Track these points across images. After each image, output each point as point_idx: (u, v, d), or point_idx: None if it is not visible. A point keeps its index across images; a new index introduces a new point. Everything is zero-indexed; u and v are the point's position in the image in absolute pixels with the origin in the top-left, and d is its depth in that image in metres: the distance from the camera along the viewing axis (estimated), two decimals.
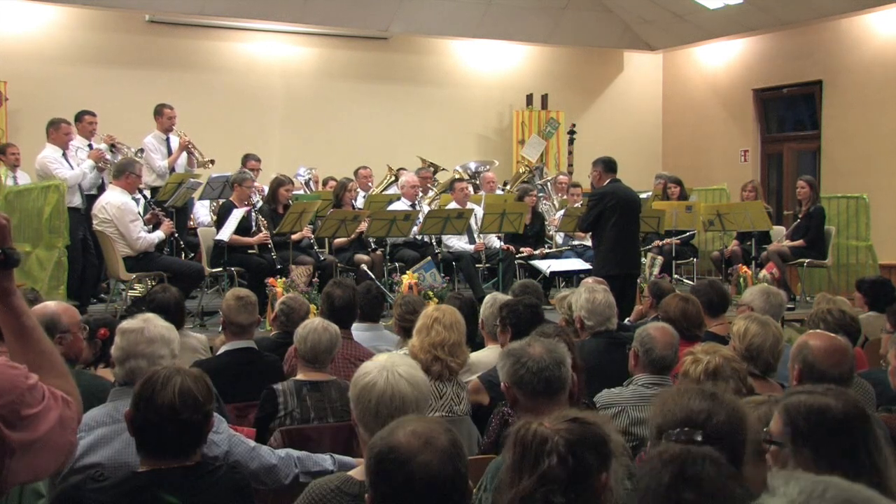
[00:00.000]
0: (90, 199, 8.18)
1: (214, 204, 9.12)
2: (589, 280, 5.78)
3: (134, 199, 7.47)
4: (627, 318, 6.36)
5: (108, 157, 8.49)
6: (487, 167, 11.17)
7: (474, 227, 9.02)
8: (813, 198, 9.36)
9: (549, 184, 11.35)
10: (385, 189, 10.51)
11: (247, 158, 9.67)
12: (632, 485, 2.08)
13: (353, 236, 8.47)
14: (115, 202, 7.19)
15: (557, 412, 2.10)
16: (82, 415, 1.88)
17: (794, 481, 1.28)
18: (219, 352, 4.69)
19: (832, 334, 3.41)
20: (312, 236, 8.28)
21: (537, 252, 9.21)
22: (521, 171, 12.25)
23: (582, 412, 2.13)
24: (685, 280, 9.85)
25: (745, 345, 3.69)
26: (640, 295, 7.39)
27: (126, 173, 7.34)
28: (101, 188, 8.38)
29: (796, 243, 9.28)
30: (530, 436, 1.99)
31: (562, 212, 9.78)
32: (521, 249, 9.14)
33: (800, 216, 9.40)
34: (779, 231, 9.83)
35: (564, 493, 1.92)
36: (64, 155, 8.30)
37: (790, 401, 2.26)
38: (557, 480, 1.93)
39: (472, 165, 11.40)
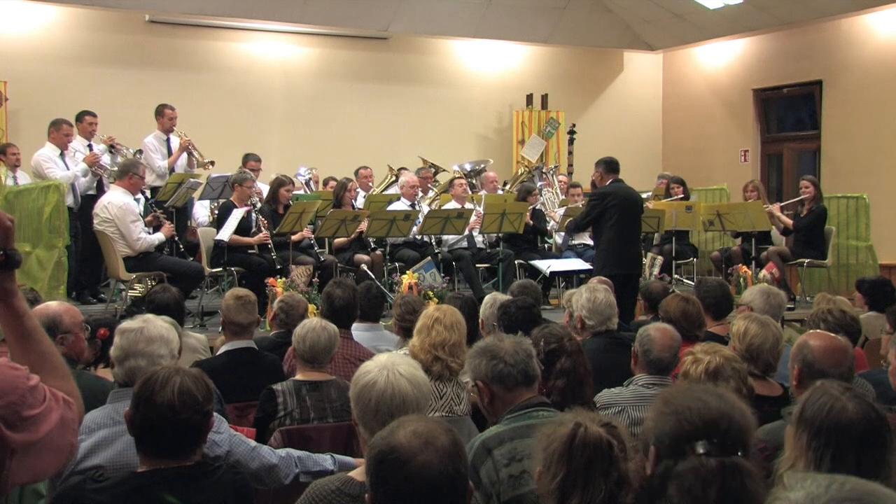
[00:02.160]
0: (87, 200, 8.21)
1: (214, 204, 9.13)
2: (594, 280, 5.79)
3: (135, 199, 7.49)
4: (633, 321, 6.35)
5: (106, 160, 8.51)
6: (483, 165, 11.18)
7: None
8: (817, 197, 9.37)
9: (551, 172, 11.38)
10: (386, 189, 10.51)
11: (247, 158, 9.67)
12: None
13: (353, 236, 8.47)
14: (117, 202, 7.20)
15: (574, 414, 2.12)
16: (83, 416, 1.88)
17: (811, 479, 1.29)
18: (219, 352, 4.68)
19: (832, 334, 3.40)
20: (312, 237, 8.28)
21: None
22: (520, 171, 12.25)
23: (603, 416, 2.17)
24: (685, 280, 9.85)
25: (746, 345, 3.69)
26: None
27: (129, 174, 7.36)
28: (101, 188, 8.40)
29: (787, 220, 9.30)
30: (594, 440, 1.99)
31: (562, 211, 9.77)
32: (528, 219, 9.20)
33: (802, 215, 9.41)
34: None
35: (629, 495, 1.97)
36: (62, 155, 8.32)
37: (817, 386, 2.29)
38: (628, 483, 1.96)
39: (468, 166, 11.41)
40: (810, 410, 2.25)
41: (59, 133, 8.33)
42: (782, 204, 9.75)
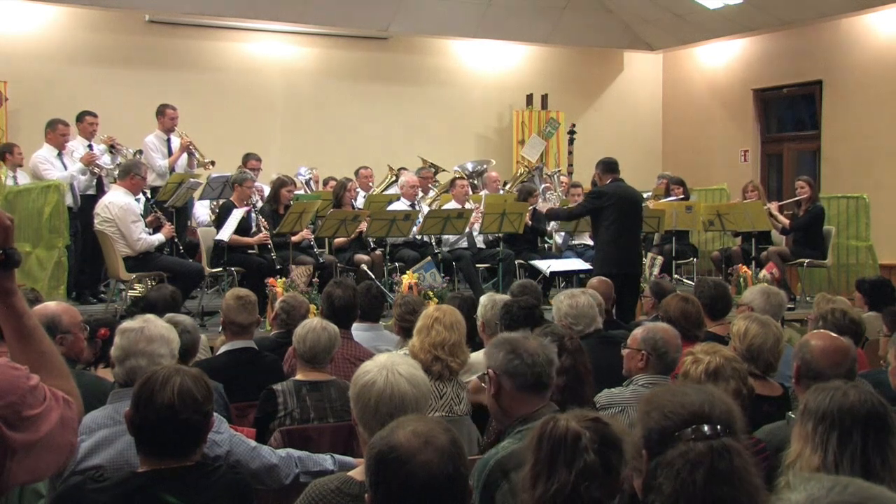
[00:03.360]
0: (87, 200, 8.21)
1: (214, 204, 9.12)
2: (593, 280, 5.78)
3: (135, 199, 7.49)
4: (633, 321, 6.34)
5: (106, 160, 8.50)
6: (485, 166, 11.18)
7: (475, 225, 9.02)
8: (814, 197, 9.38)
9: (555, 176, 11.38)
10: (386, 189, 10.51)
11: (247, 158, 9.68)
12: None
13: (353, 236, 8.47)
14: (119, 202, 7.21)
15: (572, 412, 2.11)
16: (83, 415, 1.88)
17: (814, 480, 1.29)
18: (219, 352, 4.69)
19: (834, 335, 3.39)
20: (312, 237, 8.27)
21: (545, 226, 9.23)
22: (520, 171, 12.24)
23: (598, 413, 2.16)
24: (685, 280, 9.85)
25: (746, 345, 3.69)
26: (641, 295, 7.39)
27: (131, 174, 7.37)
28: (101, 188, 8.40)
29: (783, 219, 9.30)
30: (561, 431, 1.99)
31: None
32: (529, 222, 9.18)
33: (800, 216, 9.41)
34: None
35: (601, 489, 1.94)
36: (60, 156, 8.32)
37: (818, 385, 2.35)
38: (596, 476, 1.94)
39: (470, 165, 11.41)
40: (814, 402, 2.30)
41: (55, 133, 8.33)
42: (780, 203, 9.75)
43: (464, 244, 9.05)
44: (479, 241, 9.19)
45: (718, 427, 1.97)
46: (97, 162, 8.40)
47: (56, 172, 8.14)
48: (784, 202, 9.82)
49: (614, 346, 4.20)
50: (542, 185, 10.96)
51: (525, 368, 2.77)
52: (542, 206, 9.30)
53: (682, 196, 10.13)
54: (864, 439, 2.19)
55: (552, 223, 9.84)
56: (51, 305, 3.71)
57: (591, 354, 4.24)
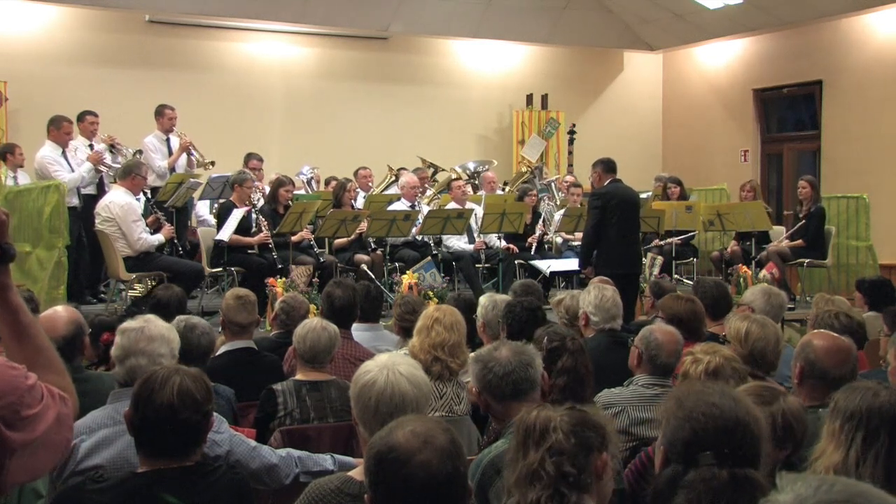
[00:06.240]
0: (87, 199, 8.20)
1: (216, 204, 9.13)
2: (595, 280, 5.78)
3: (136, 198, 7.49)
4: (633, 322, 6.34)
5: (108, 157, 8.49)
6: (486, 167, 11.18)
7: (474, 226, 9.01)
8: (814, 197, 9.35)
9: (552, 184, 11.35)
10: (385, 189, 10.51)
11: (249, 158, 9.69)
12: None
13: (353, 236, 8.47)
14: (119, 202, 7.21)
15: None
16: (78, 412, 1.88)
17: (801, 480, 1.29)
18: (219, 352, 4.68)
19: (836, 335, 3.39)
20: (311, 237, 8.26)
21: (537, 234, 9.25)
22: (523, 170, 12.25)
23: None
24: (685, 280, 9.84)
25: (749, 348, 3.67)
26: (641, 295, 7.39)
27: (132, 174, 7.38)
28: (101, 187, 8.39)
29: (795, 243, 9.27)
30: (533, 419, 2.06)
31: (561, 213, 9.76)
32: (528, 241, 9.13)
33: (801, 216, 9.39)
34: (778, 231, 9.83)
35: (572, 465, 1.97)
36: (63, 154, 8.31)
37: (851, 384, 2.37)
38: (565, 452, 1.99)
39: (471, 165, 11.41)
40: (844, 400, 2.31)
41: (59, 132, 8.30)
42: (787, 235, 9.57)
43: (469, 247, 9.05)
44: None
45: (743, 454, 1.97)
46: (104, 161, 8.39)
47: (65, 174, 8.09)
48: (790, 230, 9.61)
49: (624, 347, 4.20)
50: (543, 195, 10.90)
51: (498, 381, 2.83)
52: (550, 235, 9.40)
53: (679, 196, 10.12)
54: (892, 441, 2.18)
55: (555, 218, 9.81)
56: (59, 310, 3.73)
57: (600, 353, 4.27)
